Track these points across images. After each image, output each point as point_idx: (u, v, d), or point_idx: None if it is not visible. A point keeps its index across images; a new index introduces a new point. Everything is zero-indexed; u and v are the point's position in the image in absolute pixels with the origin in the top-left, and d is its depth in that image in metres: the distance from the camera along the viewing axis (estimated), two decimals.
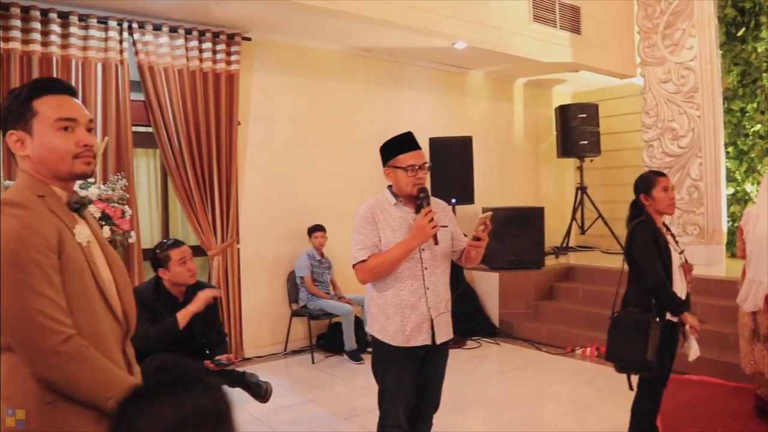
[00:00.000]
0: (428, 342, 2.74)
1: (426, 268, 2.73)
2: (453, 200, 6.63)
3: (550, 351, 5.95)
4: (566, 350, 5.91)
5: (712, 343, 5.13)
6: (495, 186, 7.95)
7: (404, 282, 2.72)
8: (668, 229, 3.35)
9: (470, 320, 6.54)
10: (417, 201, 2.74)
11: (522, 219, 6.81)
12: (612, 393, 4.50)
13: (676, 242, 3.31)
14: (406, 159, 2.74)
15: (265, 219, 5.91)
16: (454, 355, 5.85)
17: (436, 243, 2.68)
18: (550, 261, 7.30)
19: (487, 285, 6.79)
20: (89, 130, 1.60)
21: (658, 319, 3.05)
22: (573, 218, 8.05)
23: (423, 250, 2.72)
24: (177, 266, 3.38)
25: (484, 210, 7.07)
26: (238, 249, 5.67)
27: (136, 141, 5.20)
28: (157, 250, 3.46)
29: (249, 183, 5.81)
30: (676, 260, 3.16)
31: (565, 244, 8.06)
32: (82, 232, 1.52)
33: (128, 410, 1.02)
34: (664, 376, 3.25)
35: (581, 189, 7.98)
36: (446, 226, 2.82)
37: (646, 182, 3.23)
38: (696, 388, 4.81)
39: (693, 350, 3.24)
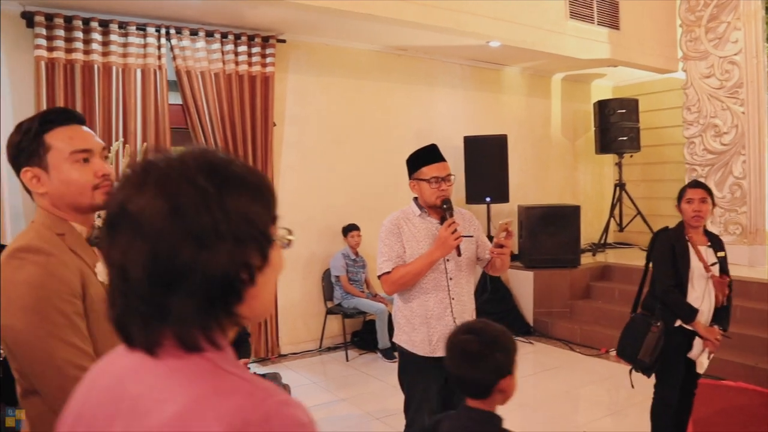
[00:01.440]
0: None
1: (451, 279, 2.77)
2: (487, 199, 6.62)
3: (584, 352, 5.91)
4: (600, 351, 5.86)
5: (752, 348, 5.03)
6: (531, 183, 7.88)
7: (429, 293, 2.77)
8: (711, 238, 3.32)
9: (504, 319, 6.53)
10: (441, 212, 2.77)
11: (558, 217, 6.75)
12: (645, 398, 4.43)
13: (716, 254, 3.26)
14: (429, 171, 2.77)
15: (300, 218, 6.00)
16: None
17: (459, 254, 2.71)
18: (586, 259, 7.22)
19: (522, 284, 6.76)
20: (105, 157, 1.57)
21: (659, 324, 3.17)
22: (611, 215, 7.92)
23: (447, 260, 2.76)
24: None
25: (519, 208, 7.06)
26: None
27: (176, 140, 5.37)
28: None
29: (284, 183, 5.91)
30: (697, 270, 3.18)
31: (602, 241, 7.95)
32: (104, 270, 1.54)
33: None
34: (676, 381, 3.27)
35: (620, 186, 7.84)
36: (471, 236, 2.84)
37: (679, 193, 3.32)
38: (732, 394, 4.71)
39: (699, 363, 3.25)
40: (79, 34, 4.72)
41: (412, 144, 2.87)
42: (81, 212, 1.52)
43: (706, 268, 3.19)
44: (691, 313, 3.14)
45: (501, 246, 2.73)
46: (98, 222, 1.60)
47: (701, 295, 3.18)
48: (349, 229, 5.98)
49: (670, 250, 3.22)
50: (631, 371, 3.37)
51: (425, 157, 2.83)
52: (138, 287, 0.74)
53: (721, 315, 3.23)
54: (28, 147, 1.46)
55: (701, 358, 3.24)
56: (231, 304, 0.77)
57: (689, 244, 3.23)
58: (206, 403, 0.70)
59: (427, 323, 2.77)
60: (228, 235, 0.75)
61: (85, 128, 1.54)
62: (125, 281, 0.75)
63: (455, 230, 2.63)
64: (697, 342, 3.20)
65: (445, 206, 2.75)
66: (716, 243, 3.32)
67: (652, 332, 3.16)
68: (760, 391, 4.71)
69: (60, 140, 1.47)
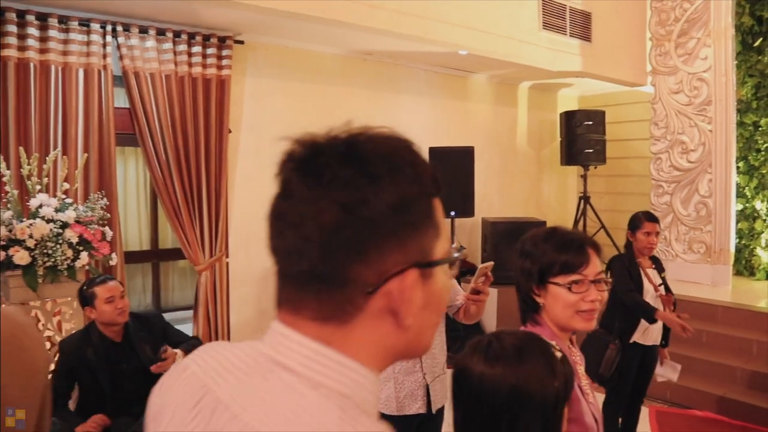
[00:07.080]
0: (423, 410, 2.55)
1: None
2: (452, 213, 6.38)
3: None
4: None
5: (720, 376, 4.94)
6: (495, 194, 7.69)
7: None
8: (654, 261, 3.77)
9: (466, 338, 6.34)
10: None
11: (523, 232, 6.38)
12: None
13: (661, 275, 3.72)
14: None
15: (255, 231, 5.63)
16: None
17: None
18: None
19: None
20: None
21: (617, 341, 3.49)
22: (575, 228, 7.81)
23: None
24: (104, 305, 3.07)
25: (484, 222, 6.86)
26: (227, 263, 5.42)
27: (125, 140, 4.99)
28: (84, 287, 3.17)
29: (240, 194, 5.54)
30: (649, 292, 3.62)
31: None
32: None
33: None
34: (625, 390, 3.65)
35: (584, 198, 7.72)
36: None
37: (634, 222, 3.71)
38: (699, 424, 4.63)
39: (660, 375, 3.72)
40: (13, 29, 4.24)
41: None
42: None
43: (656, 288, 3.64)
44: (651, 310, 3.50)
45: (478, 292, 2.51)
46: None
47: None
48: None
49: (627, 272, 3.63)
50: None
51: None
52: None
53: (666, 332, 3.69)
54: None
55: (662, 370, 3.72)
56: None
57: (640, 268, 3.65)
58: None
59: (395, 378, 2.51)
60: None
61: None
62: None
63: None
64: (662, 365, 3.74)
65: None
66: (659, 265, 3.78)
67: (611, 349, 3.45)
68: (728, 422, 4.63)
69: None
